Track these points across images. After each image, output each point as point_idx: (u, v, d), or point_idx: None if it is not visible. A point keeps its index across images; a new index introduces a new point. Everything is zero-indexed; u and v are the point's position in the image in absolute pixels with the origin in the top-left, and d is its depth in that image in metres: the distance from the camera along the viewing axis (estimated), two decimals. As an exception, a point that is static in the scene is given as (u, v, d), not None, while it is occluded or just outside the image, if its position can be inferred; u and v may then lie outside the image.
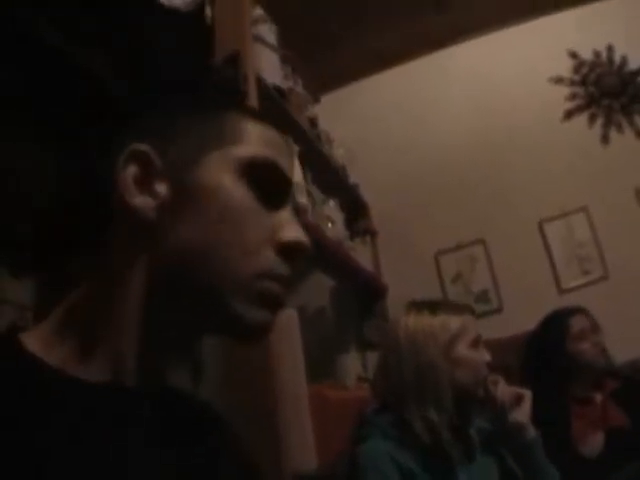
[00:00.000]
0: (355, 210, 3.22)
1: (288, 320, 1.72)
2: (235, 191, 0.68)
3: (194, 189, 0.67)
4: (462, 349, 1.69)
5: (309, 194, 2.43)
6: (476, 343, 1.73)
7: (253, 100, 1.80)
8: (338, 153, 2.91)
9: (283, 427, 1.56)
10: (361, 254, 3.12)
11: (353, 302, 3.10)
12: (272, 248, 0.69)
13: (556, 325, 2.50)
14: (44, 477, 0.53)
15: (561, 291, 3.22)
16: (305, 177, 2.46)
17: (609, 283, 3.17)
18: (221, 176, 0.68)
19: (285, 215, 0.72)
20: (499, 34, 3.70)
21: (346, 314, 2.99)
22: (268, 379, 1.55)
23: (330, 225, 2.44)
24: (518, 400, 1.75)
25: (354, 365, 2.90)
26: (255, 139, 0.72)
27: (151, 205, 0.67)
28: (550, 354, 2.44)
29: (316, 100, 3.18)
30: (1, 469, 0.51)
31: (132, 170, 0.67)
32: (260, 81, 2.01)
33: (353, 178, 3.18)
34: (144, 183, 0.67)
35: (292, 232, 0.70)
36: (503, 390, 1.75)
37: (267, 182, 0.70)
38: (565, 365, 2.38)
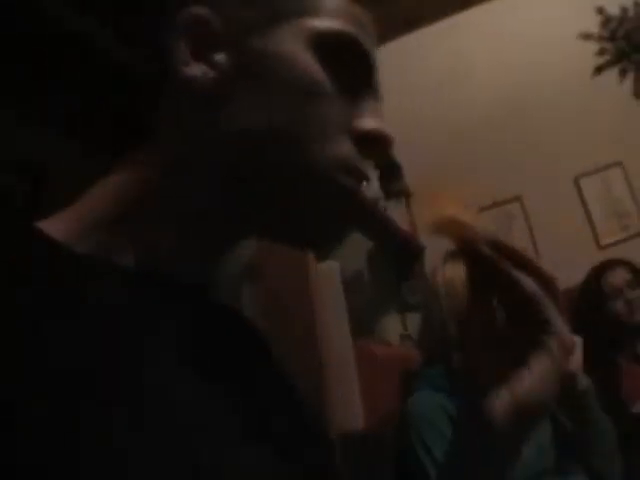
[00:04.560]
0: (389, 171, 3.16)
1: (330, 272, 1.67)
2: (312, 63, 0.56)
3: (261, 59, 0.56)
4: None
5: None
6: None
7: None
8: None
9: (328, 383, 1.53)
10: (396, 215, 3.07)
11: (391, 264, 3.06)
12: (349, 138, 0.58)
13: (591, 282, 2.47)
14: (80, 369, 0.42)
15: (600, 247, 3.16)
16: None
17: (648, 237, 3.11)
18: (295, 46, 0.56)
19: (366, 103, 0.60)
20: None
21: (384, 276, 2.95)
22: (312, 333, 1.51)
23: (365, 182, 2.38)
24: (569, 347, 1.70)
25: (395, 325, 2.87)
26: (337, 12, 0.58)
27: (210, 76, 0.56)
28: (588, 313, 2.39)
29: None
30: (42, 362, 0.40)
31: (188, 36, 0.56)
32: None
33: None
34: (202, 51, 0.56)
35: (373, 121, 0.59)
36: None
37: (348, 63, 0.58)
38: (605, 323, 2.34)
